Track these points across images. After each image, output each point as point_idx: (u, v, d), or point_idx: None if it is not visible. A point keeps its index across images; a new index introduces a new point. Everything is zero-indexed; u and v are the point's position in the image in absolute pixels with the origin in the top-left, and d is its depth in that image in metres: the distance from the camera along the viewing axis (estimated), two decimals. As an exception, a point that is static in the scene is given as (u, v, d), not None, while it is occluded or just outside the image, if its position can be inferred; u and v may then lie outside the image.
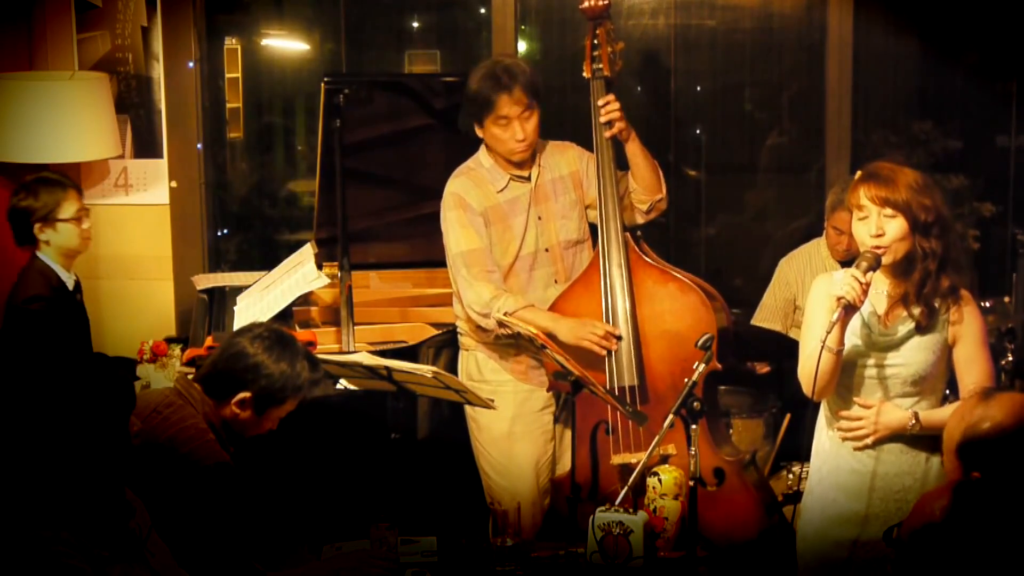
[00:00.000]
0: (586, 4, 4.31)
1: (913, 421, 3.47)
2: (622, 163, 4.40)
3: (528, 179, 4.43)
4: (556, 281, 4.43)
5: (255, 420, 3.43)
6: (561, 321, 4.22)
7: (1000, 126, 5.89)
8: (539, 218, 4.42)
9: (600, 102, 4.27)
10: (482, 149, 4.44)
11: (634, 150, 4.33)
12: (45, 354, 4.44)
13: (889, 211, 3.39)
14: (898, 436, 3.51)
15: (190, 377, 3.46)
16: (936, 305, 3.46)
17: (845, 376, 3.53)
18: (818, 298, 3.56)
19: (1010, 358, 4.76)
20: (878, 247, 3.41)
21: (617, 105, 4.26)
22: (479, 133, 4.39)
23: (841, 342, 3.42)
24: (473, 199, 4.36)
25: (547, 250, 4.43)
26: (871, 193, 3.41)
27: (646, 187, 4.37)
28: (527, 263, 4.41)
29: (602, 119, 4.26)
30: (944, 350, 3.50)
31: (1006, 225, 5.85)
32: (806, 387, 3.50)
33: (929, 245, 3.41)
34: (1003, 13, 5.63)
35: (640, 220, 4.43)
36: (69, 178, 4.78)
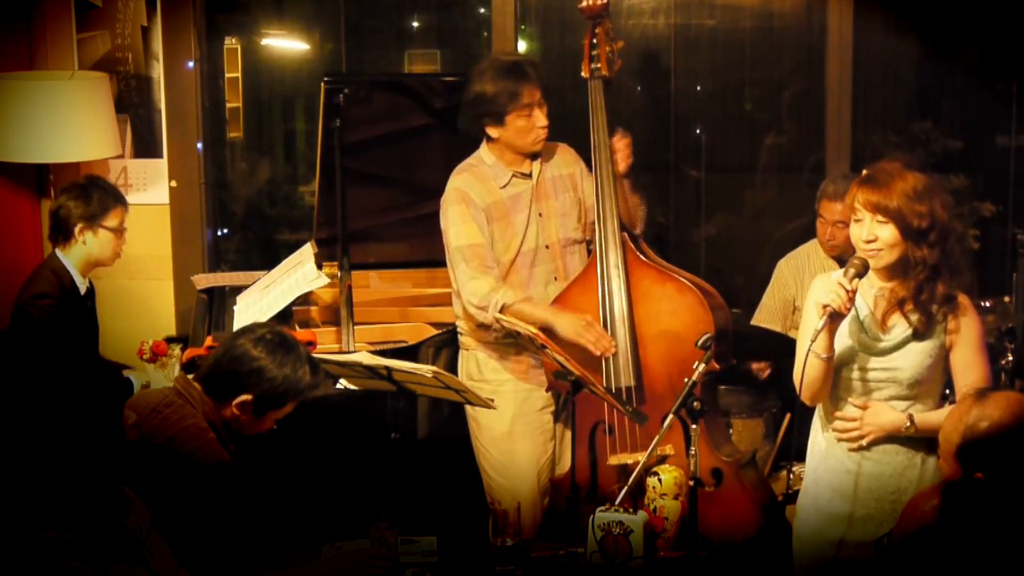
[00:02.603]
0: (585, 3, 4.30)
1: (908, 423, 3.46)
2: None
3: (529, 176, 4.44)
4: (555, 279, 4.43)
5: (254, 421, 3.43)
6: (561, 316, 4.22)
7: (1000, 126, 5.89)
8: (540, 215, 4.43)
9: (616, 146, 4.31)
10: (484, 147, 4.44)
11: (624, 187, 4.37)
12: (47, 352, 4.44)
13: (881, 217, 3.37)
14: (893, 437, 3.50)
15: (190, 377, 3.46)
16: (933, 311, 3.45)
17: (840, 378, 3.52)
18: (814, 300, 3.55)
19: (1010, 358, 4.75)
20: (869, 251, 3.41)
21: (628, 140, 4.33)
22: (494, 133, 4.37)
23: (830, 348, 3.41)
24: (476, 195, 4.36)
25: (547, 247, 4.44)
26: (864, 198, 3.39)
27: (628, 219, 4.38)
28: (528, 259, 4.41)
29: (616, 154, 4.31)
30: (941, 354, 3.48)
31: (1006, 225, 5.85)
32: (800, 391, 3.50)
33: (921, 253, 3.38)
34: (1003, 13, 5.63)
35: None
36: (119, 191, 4.85)
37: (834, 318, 3.38)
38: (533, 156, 4.45)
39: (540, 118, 4.35)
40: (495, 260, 4.36)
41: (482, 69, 4.38)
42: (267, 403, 3.40)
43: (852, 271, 3.39)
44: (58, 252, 4.69)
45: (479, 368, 4.48)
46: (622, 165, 4.34)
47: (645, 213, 4.48)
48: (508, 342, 4.38)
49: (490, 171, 4.42)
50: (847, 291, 3.36)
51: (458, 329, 4.56)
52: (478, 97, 4.34)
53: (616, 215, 4.27)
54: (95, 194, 4.68)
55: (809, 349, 3.38)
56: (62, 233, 4.68)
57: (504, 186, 4.41)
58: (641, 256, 4.28)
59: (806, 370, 3.41)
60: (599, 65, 4.30)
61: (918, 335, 3.46)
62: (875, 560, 3.21)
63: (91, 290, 4.81)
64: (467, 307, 4.34)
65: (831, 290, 3.37)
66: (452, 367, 4.58)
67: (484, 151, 4.45)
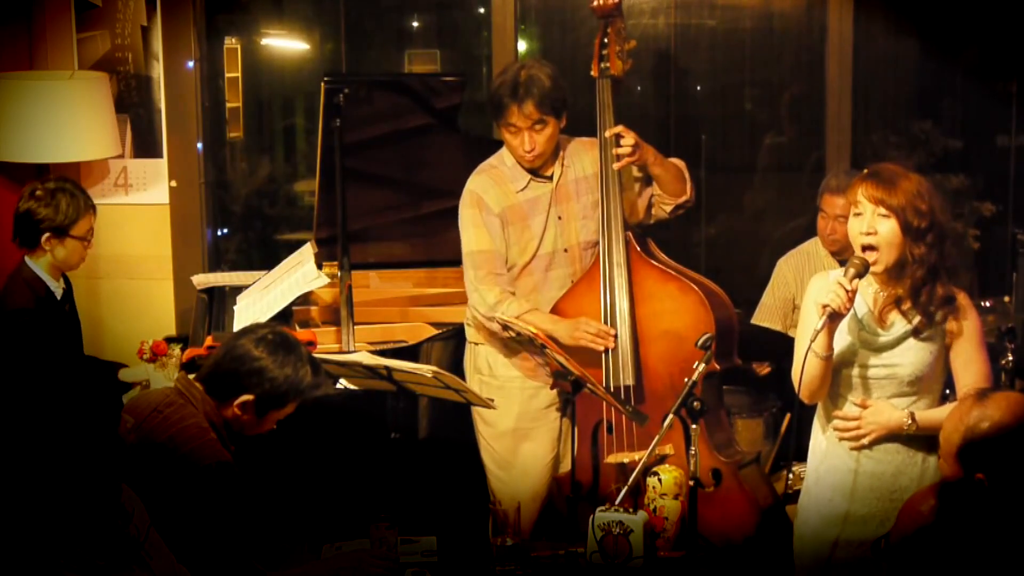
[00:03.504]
0: (596, 2, 4.27)
1: (909, 421, 3.47)
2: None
3: (550, 178, 4.41)
4: (573, 282, 4.40)
5: (255, 421, 3.43)
6: (559, 323, 4.23)
7: (1000, 126, 5.89)
8: (559, 218, 4.40)
9: (609, 134, 4.24)
10: (504, 147, 4.43)
11: (656, 172, 4.33)
12: (32, 367, 4.35)
13: (883, 211, 3.40)
14: (894, 436, 3.51)
15: (192, 376, 3.46)
16: (932, 311, 3.46)
17: (841, 376, 3.53)
18: (813, 299, 3.55)
19: (1010, 358, 4.75)
20: (868, 246, 3.42)
21: (631, 141, 4.23)
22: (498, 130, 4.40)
23: (829, 348, 3.42)
24: (491, 198, 4.35)
25: (566, 250, 4.40)
26: (868, 192, 3.42)
27: (671, 193, 4.37)
28: (544, 263, 4.39)
29: (616, 150, 4.23)
30: (941, 351, 3.50)
31: (1006, 225, 5.85)
32: (798, 390, 3.50)
33: (919, 252, 3.40)
34: (1003, 13, 5.63)
35: (667, 217, 4.43)
36: (87, 194, 4.62)
37: (833, 318, 3.39)
38: (555, 156, 4.42)
39: (525, 142, 4.26)
40: (511, 263, 4.35)
41: (506, 67, 4.39)
42: (268, 403, 3.40)
43: (852, 271, 3.40)
44: (28, 260, 4.51)
45: (488, 364, 4.48)
46: (624, 161, 4.24)
47: (687, 176, 4.40)
48: (519, 339, 4.37)
49: (508, 173, 4.39)
50: (847, 291, 3.37)
51: (468, 322, 4.54)
52: (489, 91, 4.36)
53: (620, 214, 4.26)
54: (64, 201, 4.46)
55: (808, 348, 3.39)
56: (28, 239, 4.49)
57: (521, 189, 4.38)
58: (644, 255, 4.28)
59: (805, 369, 3.42)
60: (608, 64, 4.28)
61: (917, 332, 3.47)
62: (874, 560, 3.22)
63: (67, 291, 4.67)
64: (474, 313, 4.34)
65: (831, 290, 3.39)
66: (452, 366, 4.57)
67: (505, 151, 4.42)
